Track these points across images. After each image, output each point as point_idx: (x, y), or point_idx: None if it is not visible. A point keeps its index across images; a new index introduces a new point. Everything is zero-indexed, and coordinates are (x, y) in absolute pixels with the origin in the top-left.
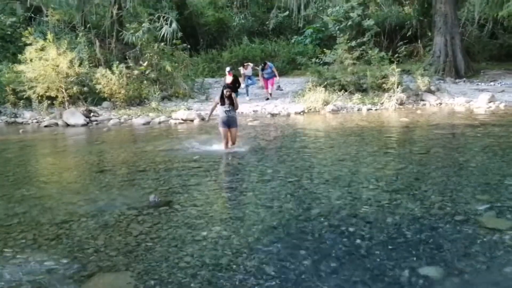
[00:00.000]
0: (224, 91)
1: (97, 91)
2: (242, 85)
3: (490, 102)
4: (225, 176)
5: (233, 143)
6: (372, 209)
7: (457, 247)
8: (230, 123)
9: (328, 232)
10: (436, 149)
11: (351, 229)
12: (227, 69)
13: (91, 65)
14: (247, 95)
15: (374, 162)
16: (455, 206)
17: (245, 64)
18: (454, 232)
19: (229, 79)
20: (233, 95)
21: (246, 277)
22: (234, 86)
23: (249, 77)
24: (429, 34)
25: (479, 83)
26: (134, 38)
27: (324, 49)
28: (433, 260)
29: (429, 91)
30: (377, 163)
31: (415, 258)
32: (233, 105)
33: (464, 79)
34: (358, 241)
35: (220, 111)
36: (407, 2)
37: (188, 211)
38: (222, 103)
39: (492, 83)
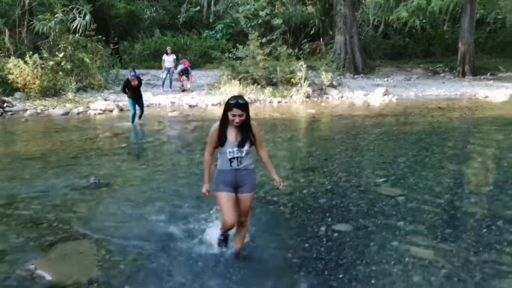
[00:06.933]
0: (231, 115)
1: (9, 82)
2: (163, 75)
3: (384, 95)
4: (154, 160)
5: (242, 224)
6: (291, 184)
7: (361, 209)
8: (239, 183)
9: (256, 202)
10: (340, 136)
11: (275, 199)
12: (132, 73)
13: (0, 54)
14: (163, 86)
15: (288, 147)
16: (358, 179)
17: (168, 50)
18: (358, 199)
19: (133, 82)
20: (255, 125)
21: (194, 240)
22: (138, 89)
23: (168, 69)
24: (330, 33)
25: (375, 79)
26: (46, 28)
27: (237, 44)
28: (344, 219)
29: (332, 85)
30: (291, 148)
31: (329, 219)
32: (249, 143)
33: (362, 75)
34: (282, 208)
35: (221, 160)
36: (310, 2)
37: (128, 190)
38: (222, 142)
39: (386, 79)
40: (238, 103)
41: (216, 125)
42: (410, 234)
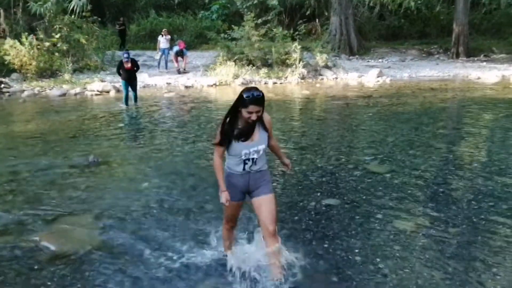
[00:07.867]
0: (246, 113)
1: (5, 63)
2: (157, 56)
3: (378, 77)
4: (151, 140)
5: (272, 235)
6: None
7: (350, 185)
8: (252, 186)
9: None
10: (333, 116)
11: None
12: (125, 55)
13: None
14: (159, 67)
15: (283, 126)
16: (348, 158)
17: (164, 32)
18: (347, 176)
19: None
20: (267, 117)
21: (190, 214)
22: (133, 71)
23: (163, 50)
24: (326, 13)
25: (369, 60)
26: (41, 9)
27: (233, 25)
28: (332, 194)
29: (327, 66)
30: (285, 127)
31: (319, 194)
32: (264, 140)
33: (357, 56)
34: (274, 183)
35: (232, 161)
36: None
37: (126, 168)
38: (230, 142)
39: (380, 60)
40: (254, 98)
41: (219, 130)
42: (394, 208)
